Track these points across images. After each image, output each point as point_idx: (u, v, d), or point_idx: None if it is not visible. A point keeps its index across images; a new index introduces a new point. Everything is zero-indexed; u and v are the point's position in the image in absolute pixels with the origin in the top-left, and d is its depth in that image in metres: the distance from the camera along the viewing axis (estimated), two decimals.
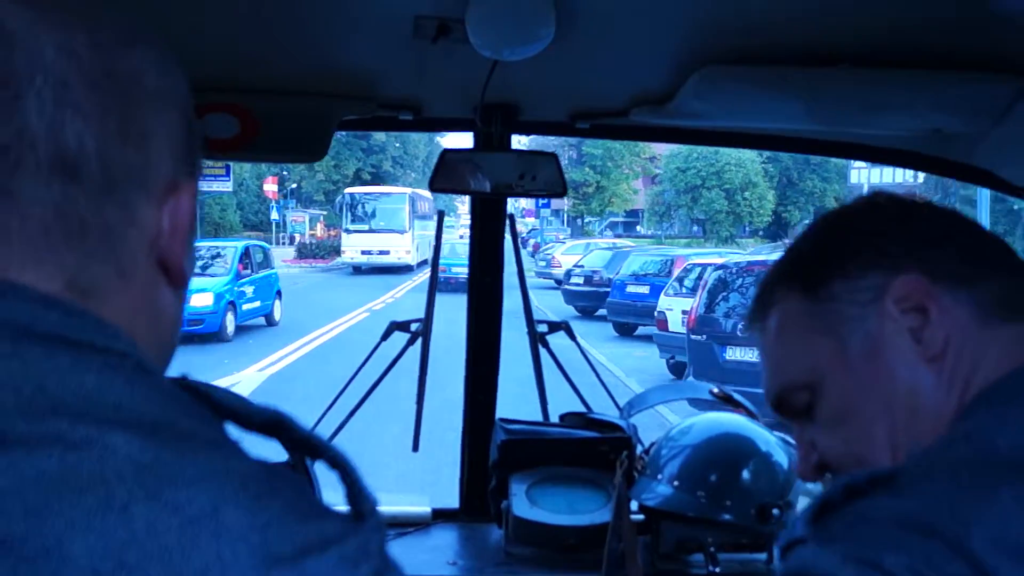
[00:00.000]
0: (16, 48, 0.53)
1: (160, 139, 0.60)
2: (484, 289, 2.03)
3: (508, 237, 2.02)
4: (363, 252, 33.06)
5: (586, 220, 51.63)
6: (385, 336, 2.07)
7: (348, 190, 37.15)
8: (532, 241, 39.34)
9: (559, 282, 21.68)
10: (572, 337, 2.16)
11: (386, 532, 0.58)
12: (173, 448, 0.51)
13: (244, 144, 1.55)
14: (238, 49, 1.42)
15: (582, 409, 2.03)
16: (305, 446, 0.61)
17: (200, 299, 14.02)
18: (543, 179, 1.67)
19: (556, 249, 29.37)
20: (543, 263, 28.15)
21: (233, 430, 0.59)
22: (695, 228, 49.77)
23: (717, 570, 1.66)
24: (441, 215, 2.11)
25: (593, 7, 1.22)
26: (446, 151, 1.68)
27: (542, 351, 2.11)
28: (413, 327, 2.08)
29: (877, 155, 1.76)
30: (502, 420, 1.92)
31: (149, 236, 0.60)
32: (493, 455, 1.88)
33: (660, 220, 49.61)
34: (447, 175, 1.68)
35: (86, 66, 0.55)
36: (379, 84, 1.59)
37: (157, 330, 0.63)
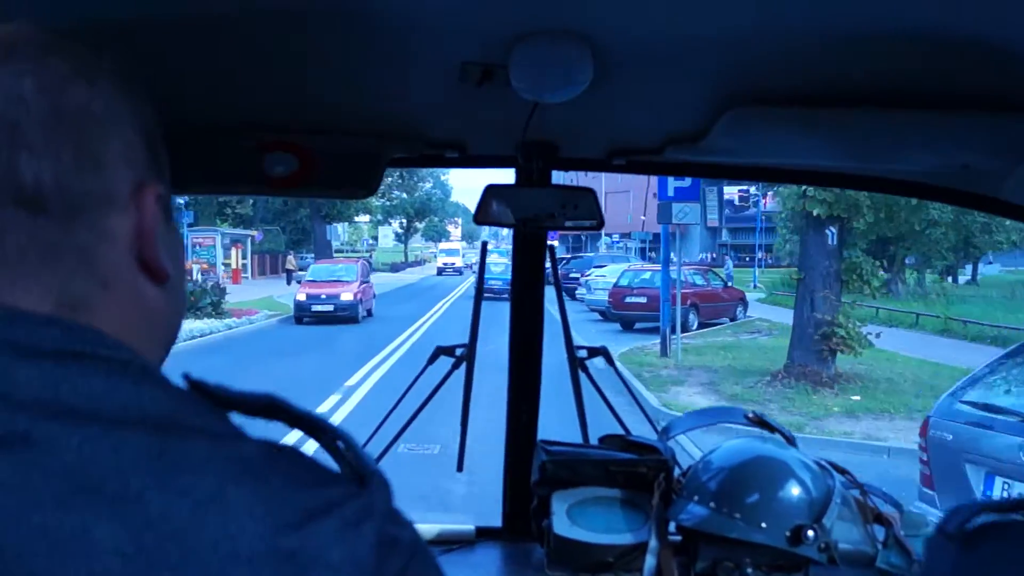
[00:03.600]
0: None
1: (116, 158, 0.63)
2: (525, 316, 2.10)
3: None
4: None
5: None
6: (431, 360, 2.14)
7: None
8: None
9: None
10: (610, 362, 2.22)
11: (391, 492, 0.63)
12: (178, 439, 0.57)
13: (302, 181, 1.64)
14: (297, 93, 1.50)
15: (620, 432, 2.09)
16: (303, 423, 0.65)
17: None
18: (582, 213, 1.75)
19: None
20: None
21: (237, 418, 0.63)
22: None
23: None
24: (484, 246, 2.19)
25: (628, 54, 1.28)
26: (490, 187, 1.76)
27: (581, 376, 2.17)
28: (458, 352, 2.14)
29: (907, 189, 1.80)
30: (543, 442, 1.98)
31: (123, 244, 0.64)
32: (535, 475, 1.94)
33: None
34: (490, 209, 1.76)
35: (33, 108, 0.59)
36: (427, 125, 1.67)
37: (149, 328, 0.67)
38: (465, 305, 26.18)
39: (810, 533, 1.67)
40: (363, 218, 71.87)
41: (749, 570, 1.73)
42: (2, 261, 0.59)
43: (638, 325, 21.69)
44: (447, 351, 2.15)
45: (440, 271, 58.53)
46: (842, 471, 1.85)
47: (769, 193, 44.88)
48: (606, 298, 23.36)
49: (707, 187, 45.50)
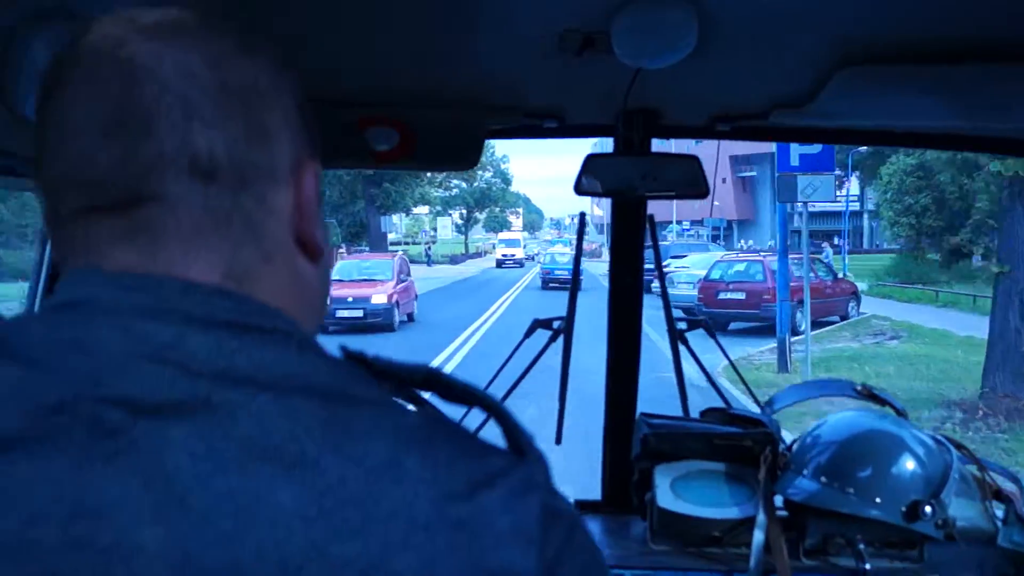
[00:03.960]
0: (146, 79, 0.60)
1: (279, 132, 0.65)
2: (625, 288, 2.08)
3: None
4: None
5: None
6: (528, 333, 2.14)
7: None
8: None
9: None
10: (711, 335, 2.18)
11: (548, 464, 0.63)
12: (346, 409, 0.58)
13: (403, 154, 1.65)
14: (398, 67, 1.51)
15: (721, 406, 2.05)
16: (461, 395, 0.67)
17: None
18: (684, 180, 1.71)
19: None
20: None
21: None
22: None
23: (867, 567, 1.65)
24: (583, 216, 2.17)
25: (734, 17, 1.25)
26: (590, 156, 1.73)
27: (681, 348, 2.14)
28: (555, 324, 2.14)
29: (1019, 148, 1.72)
30: (644, 415, 1.96)
31: (284, 219, 0.66)
32: (636, 448, 1.91)
33: None
34: (591, 178, 1.74)
35: (204, 82, 0.61)
36: (525, 95, 1.66)
37: (303, 302, 0.68)
38: (528, 303, 23.98)
39: (927, 509, 1.61)
40: (421, 209, 69.19)
41: (861, 546, 1.68)
42: (175, 232, 0.61)
43: (732, 326, 18.33)
44: (544, 324, 2.14)
45: (500, 263, 54.09)
46: (959, 445, 1.79)
47: (853, 176, 43.51)
48: (692, 293, 19.58)
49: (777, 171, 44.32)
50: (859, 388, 1.95)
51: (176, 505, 0.53)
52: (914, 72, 1.34)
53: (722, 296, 18.53)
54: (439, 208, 72.17)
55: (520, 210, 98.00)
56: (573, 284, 2.13)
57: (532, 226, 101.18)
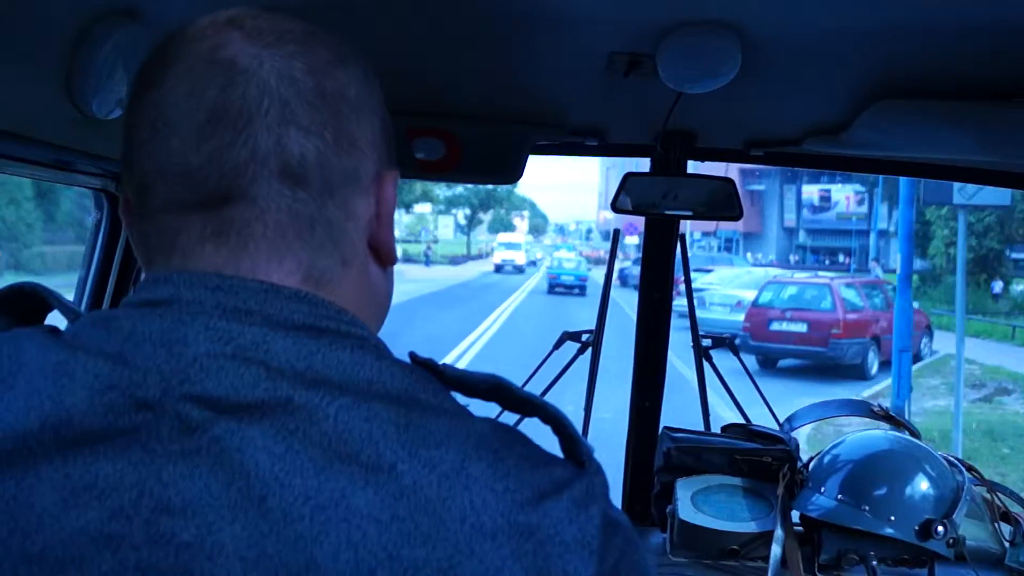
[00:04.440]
0: (248, 81, 0.62)
1: (365, 142, 0.66)
2: (654, 304, 2.13)
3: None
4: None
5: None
6: (557, 345, 2.19)
7: None
8: None
9: None
10: (735, 353, 2.23)
11: (605, 476, 0.65)
12: (419, 415, 0.59)
13: (450, 165, 1.71)
14: (448, 80, 1.56)
15: (741, 421, 2.10)
16: (524, 405, 0.66)
17: None
18: (719, 203, 1.77)
19: None
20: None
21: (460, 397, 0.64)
22: None
23: None
24: (616, 233, 2.23)
25: (776, 46, 1.30)
26: (629, 175, 1.79)
27: (705, 365, 2.19)
28: (584, 337, 2.19)
29: None
30: (668, 428, 2.01)
31: (362, 226, 0.67)
32: (659, 461, 1.96)
33: None
34: (627, 197, 1.80)
35: (303, 88, 0.63)
36: (570, 112, 1.71)
37: (373, 306, 0.70)
38: (530, 314, 21.00)
39: (939, 528, 1.66)
40: (423, 207, 66.73)
41: (874, 563, 1.72)
42: (261, 234, 0.63)
43: (783, 363, 15.13)
44: (573, 336, 2.19)
45: (498, 268, 47.42)
46: (969, 467, 1.83)
47: (850, 195, 41.42)
48: (730, 318, 16.34)
49: (785, 184, 42.92)
50: (876, 408, 2.00)
51: (255, 504, 0.54)
52: (948, 108, 1.39)
53: (776, 327, 14.90)
54: (442, 206, 69.29)
55: (526, 213, 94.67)
56: (604, 298, 2.18)
57: (537, 230, 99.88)
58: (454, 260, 55.07)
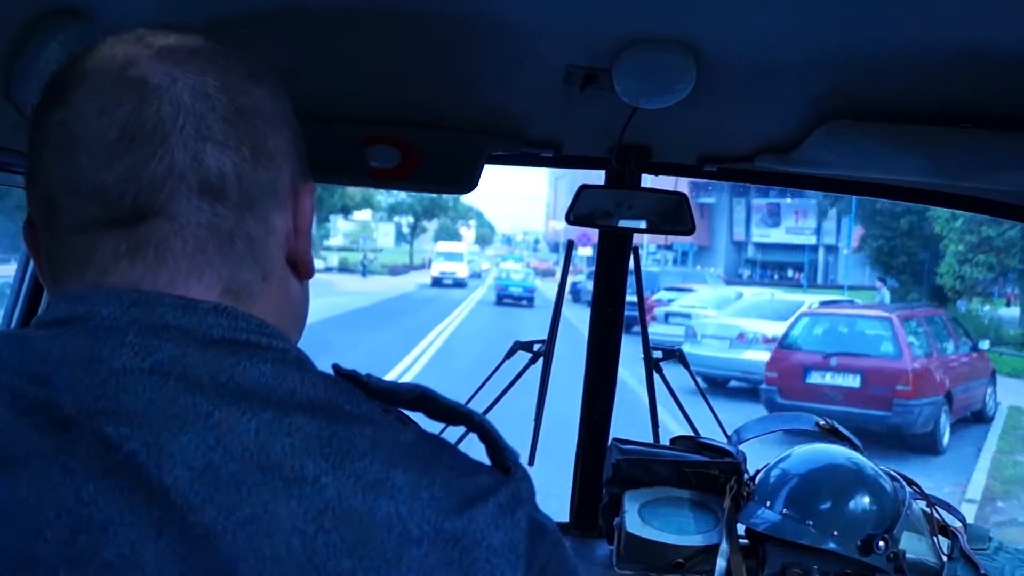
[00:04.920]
0: (161, 99, 0.62)
1: (282, 156, 0.68)
2: (606, 317, 2.14)
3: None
4: None
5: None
6: (509, 355, 2.19)
7: None
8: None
9: None
10: (686, 366, 2.24)
11: (532, 481, 0.66)
12: (343, 426, 0.59)
13: (404, 174, 1.70)
14: (404, 88, 1.55)
15: (689, 433, 2.11)
16: (450, 414, 0.68)
17: None
18: (672, 217, 1.79)
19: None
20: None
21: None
22: None
23: None
24: (571, 244, 2.24)
25: (730, 64, 1.31)
26: (583, 187, 1.80)
27: (655, 377, 2.21)
28: (536, 347, 2.19)
29: (994, 208, 1.81)
30: (616, 440, 2.01)
31: (281, 240, 0.68)
32: (607, 473, 1.97)
33: None
34: (582, 209, 1.81)
35: (218, 104, 0.63)
36: (527, 124, 1.71)
37: (291, 320, 0.70)
38: (475, 335, 18.01)
39: (881, 543, 1.68)
40: (363, 214, 65.07)
41: None
42: (180, 250, 0.63)
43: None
44: (525, 346, 2.19)
45: (436, 282, 41.90)
46: (910, 482, 1.86)
47: (800, 209, 39.42)
48: (727, 354, 12.58)
49: (735, 198, 42.63)
50: (821, 423, 2.03)
51: (177, 521, 0.53)
52: (897, 130, 1.41)
53: (817, 379, 10.65)
54: (384, 214, 67.46)
55: (472, 223, 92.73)
56: (556, 308, 2.19)
57: (484, 240, 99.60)
58: (394, 270, 51.40)
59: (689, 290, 18.85)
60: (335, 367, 0.66)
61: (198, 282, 0.63)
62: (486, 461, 0.66)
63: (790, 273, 41.92)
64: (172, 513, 0.53)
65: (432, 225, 71.78)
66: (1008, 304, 22.10)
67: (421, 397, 0.67)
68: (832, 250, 40.87)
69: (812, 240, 40.08)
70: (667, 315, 16.68)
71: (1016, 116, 1.35)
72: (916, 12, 1.06)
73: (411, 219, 66.10)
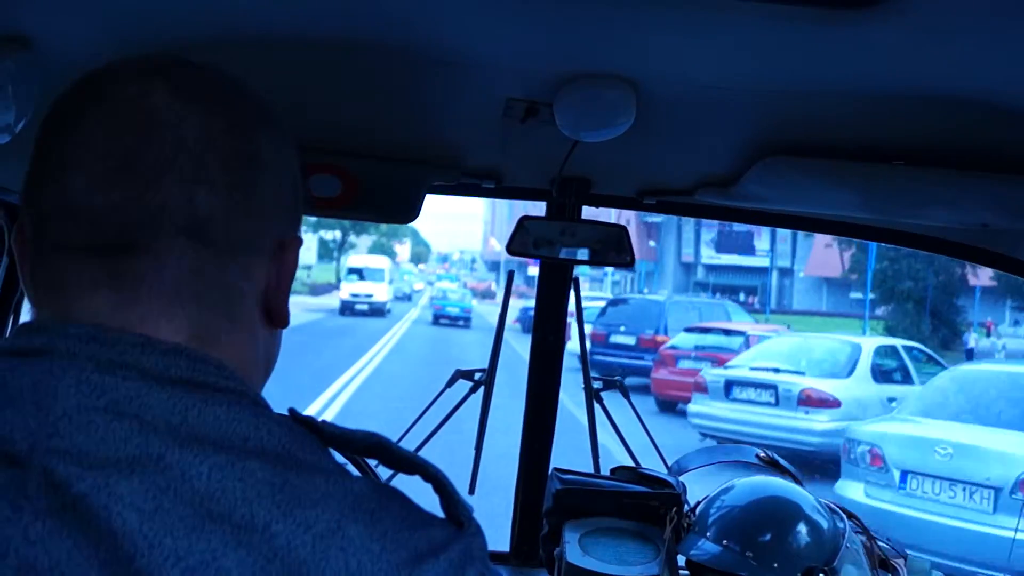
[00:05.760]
0: (165, 134, 0.61)
1: (273, 207, 0.67)
2: (547, 348, 2.14)
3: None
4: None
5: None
6: (450, 383, 2.17)
7: None
8: None
9: None
10: (625, 395, 2.25)
11: (484, 536, 0.65)
12: (296, 474, 0.58)
13: (345, 203, 1.68)
14: (344, 119, 1.55)
15: (630, 464, 2.12)
16: (404, 463, 0.67)
17: None
18: (612, 249, 1.80)
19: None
20: None
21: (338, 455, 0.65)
22: None
23: None
24: (511, 274, 2.24)
25: (669, 100, 1.34)
26: (524, 218, 1.80)
27: (596, 407, 2.21)
28: (476, 376, 2.18)
29: (927, 244, 1.85)
30: (557, 470, 2.01)
31: (260, 289, 0.67)
32: (548, 502, 1.96)
33: None
34: (523, 240, 1.81)
35: (219, 147, 0.63)
36: (466, 155, 1.72)
37: (257, 367, 0.69)
38: (404, 380, 13.42)
39: (821, 575, 1.69)
40: None
41: None
42: (157, 288, 0.62)
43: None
44: (466, 375, 2.18)
45: (345, 307, 32.71)
46: (850, 515, 1.88)
47: (753, 230, 37.23)
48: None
49: (682, 219, 41.28)
50: (761, 455, 2.04)
51: (124, 565, 0.52)
52: (832, 167, 1.44)
53: None
54: (305, 226, 63.45)
55: (407, 240, 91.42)
56: (497, 336, 2.18)
57: (419, 258, 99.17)
58: (315, 289, 45.35)
59: (724, 332, 13.18)
60: (291, 411, 0.66)
61: (168, 323, 0.62)
62: (438, 511, 0.66)
63: (742, 297, 38.73)
64: (119, 555, 0.52)
65: (363, 241, 68.32)
66: None
67: (376, 445, 0.67)
68: (788, 273, 40.09)
69: (765, 262, 38.39)
70: (729, 384, 10.56)
71: (941, 153, 1.38)
72: (847, 57, 1.09)
73: (337, 233, 59.16)
